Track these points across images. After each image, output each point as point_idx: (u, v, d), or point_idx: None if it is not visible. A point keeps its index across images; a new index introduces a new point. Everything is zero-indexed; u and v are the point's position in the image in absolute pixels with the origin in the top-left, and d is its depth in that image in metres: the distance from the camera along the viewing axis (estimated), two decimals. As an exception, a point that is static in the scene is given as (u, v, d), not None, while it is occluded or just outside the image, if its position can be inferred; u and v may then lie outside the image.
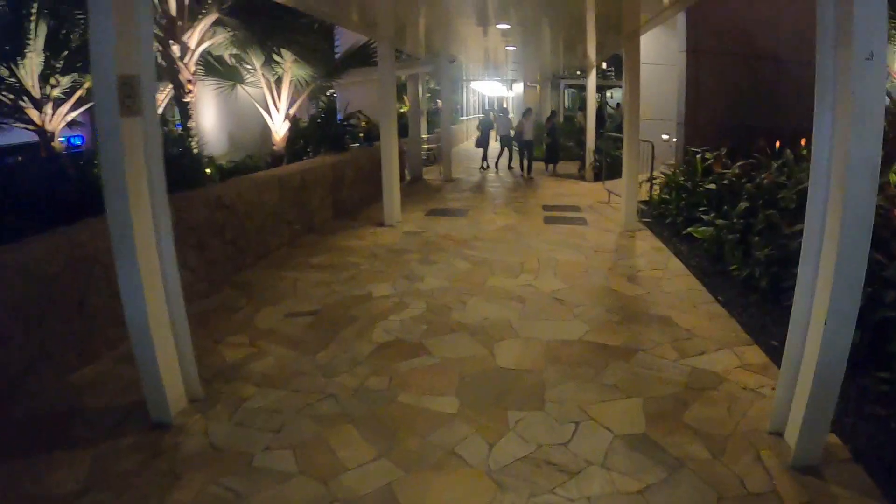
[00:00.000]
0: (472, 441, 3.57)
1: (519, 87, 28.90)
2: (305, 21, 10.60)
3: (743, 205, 7.37)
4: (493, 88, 34.24)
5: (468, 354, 4.77)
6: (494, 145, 19.08)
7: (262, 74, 11.10)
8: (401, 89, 19.34)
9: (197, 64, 11.35)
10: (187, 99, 9.22)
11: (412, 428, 3.72)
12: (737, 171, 8.67)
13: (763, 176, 7.66)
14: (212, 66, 11.56)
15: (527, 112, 16.99)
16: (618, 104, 23.60)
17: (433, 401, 4.04)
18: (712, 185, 8.73)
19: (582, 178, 15.41)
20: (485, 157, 18.72)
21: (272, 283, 6.77)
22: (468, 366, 4.57)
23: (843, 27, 2.91)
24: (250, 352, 4.93)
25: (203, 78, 11.69)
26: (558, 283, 6.55)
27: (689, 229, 8.31)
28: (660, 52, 15.38)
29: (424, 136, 18.98)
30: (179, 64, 9.03)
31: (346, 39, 14.33)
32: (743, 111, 12.18)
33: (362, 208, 11.12)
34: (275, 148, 11.65)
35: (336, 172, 10.45)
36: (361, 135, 13.28)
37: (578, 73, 24.23)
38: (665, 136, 14.00)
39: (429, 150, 18.85)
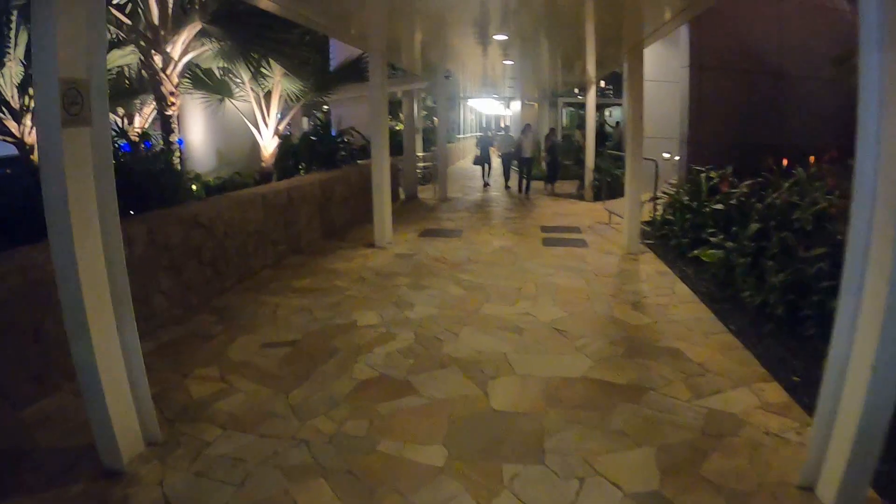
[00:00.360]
0: (460, 501, 3.10)
1: (516, 106, 28.62)
2: (297, 32, 10.23)
3: (754, 226, 6.96)
4: (491, 106, 34.07)
5: (459, 394, 4.29)
6: (497, 162, 19.45)
7: (251, 88, 10.71)
8: (397, 106, 19.07)
9: (184, 76, 11.00)
10: (170, 112, 8.81)
11: (393, 484, 3.25)
12: (745, 190, 8.29)
13: (775, 195, 7.26)
14: (199, 79, 11.19)
15: (525, 128, 16.56)
16: (617, 122, 23.30)
17: (418, 451, 3.56)
18: (720, 206, 8.33)
19: (581, 197, 15.02)
20: (485, 175, 18.51)
21: (251, 308, 6.31)
22: (459, 408, 4.09)
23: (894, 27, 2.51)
24: (220, 387, 4.46)
25: (190, 91, 11.32)
26: (558, 312, 6.09)
27: (696, 252, 7.90)
28: (661, 68, 15.04)
29: (420, 154, 18.63)
30: (162, 75, 8.63)
31: (341, 54, 13.98)
32: (747, 128, 11.85)
33: (353, 228, 10.71)
34: (263, 164, 11.24)
35: (325, 190, 10.03)
36: (344, 153, 12.81)
37: (576, 91, 23.98)
38: (666, 155, 13.64)
39: (424, 168, 18.47)
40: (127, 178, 7.30)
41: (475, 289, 6.87)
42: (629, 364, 4.80)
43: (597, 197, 14.47)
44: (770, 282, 5.88)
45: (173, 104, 8.83)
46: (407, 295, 6.65)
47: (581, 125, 26.38)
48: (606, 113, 27.63)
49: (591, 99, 14.72)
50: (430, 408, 4.10)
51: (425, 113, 23.80)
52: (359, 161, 13.69)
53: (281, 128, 11.28)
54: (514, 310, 6.15)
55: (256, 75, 10.22)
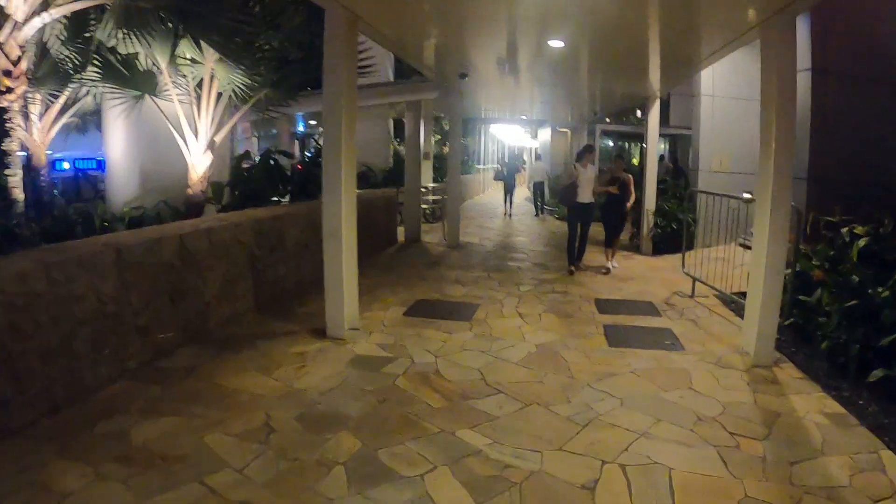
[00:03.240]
0: None
1: (545, 134, 25.02)
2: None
3: None
4: (515, 135, 30.66)
5: None
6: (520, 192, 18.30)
7: (170, 78, 7.30)
8: (400, 125, 15.83)
9: (93, 63, 7.69)
10: (5, 103, 5.38)
11: None
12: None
13: None
14: (112, 67, 7.75)
15: (585, 151, 9.45)
16: (661, 156, 19.66)
17: None
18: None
19: (637, 248, 11.30)
20: (507, 202, 18.28)
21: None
22: None
23: None
24: None
25: (95, 83, 7.95)
26: None
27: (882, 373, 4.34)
28: (738, 81, 11.55)
29: (430, 185, 15.17)
30: (-11, 43, 5.22)
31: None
32: (889, 161, 8.24)
33: (311, 293, 6.98)
34: (190, 192, 7.76)
35: (264, 235, 6.50)
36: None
37: (608, 119, 20.28)
38: (746, 195, 10.11)
39: (434, 202, 14.97)
40: None
41: (495, 483, 3.17)
42: None
43: (656, 249, 10.87)
44: None
45: (10, 90, 5.38)
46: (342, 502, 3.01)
47: (619, 156, 22.67)
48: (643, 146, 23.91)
49: (653, 120, 11.08)
50: None
51: (439, 138, 20.39)
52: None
53: (219, 139, 7.81)
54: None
55: (173, 59, 6.84)
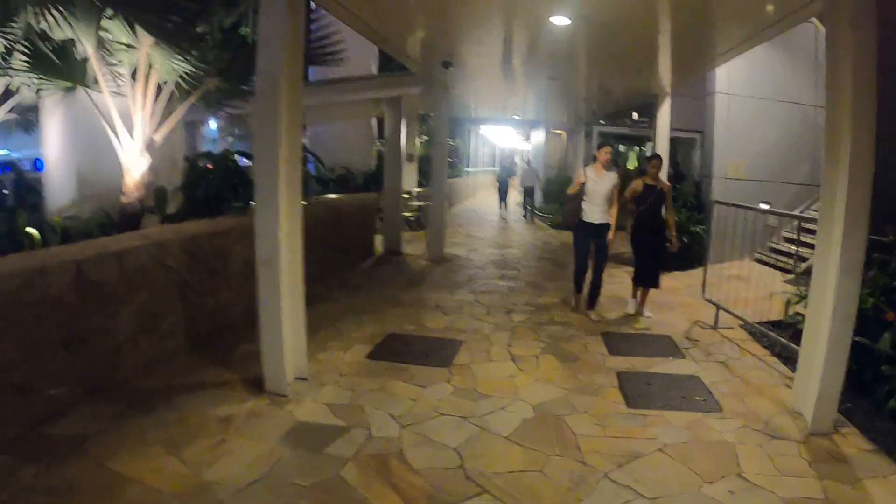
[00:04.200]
0: None
1: (539, 136, 23.85)
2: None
3: None
4: (507, 137, 29.63)
5: None
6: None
7: (100, 67, 6.15)
8: (384, 124, 14.65)
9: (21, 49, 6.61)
10: None
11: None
12: None
13: None
14: (41, 55, 6.59)
15: (600, 150, 6.76)
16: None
17: None
18: None
19: (642, 264, 10.21)
20: (502, 206, 19.31)
21: None
22: None
23: None
24: None
25: (24, 74, 6.80)
26: None
27: None
28: (756, 77, 10.53)
29: (416, 189, 14.05)
30: None
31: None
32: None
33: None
34: (125, 200, 6.59)
35: (200, 256, 5.34)
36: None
37: (602, 121, 19.12)
38: (764, 206, 9.12)
39: (418, 209, 13.80)
40: None
41: None
42: None
43: (666, 266, 9.77)
44: None
45: None
46: None
47: (656, 155, 21.12)
48: (637, 150, 22.72)
49: (663, 120, 9.89)
50: None
51: (426, 139, 19.27)
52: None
53: (160, 136, 6.65)
54: None
55: (101, 41, 5.69)
